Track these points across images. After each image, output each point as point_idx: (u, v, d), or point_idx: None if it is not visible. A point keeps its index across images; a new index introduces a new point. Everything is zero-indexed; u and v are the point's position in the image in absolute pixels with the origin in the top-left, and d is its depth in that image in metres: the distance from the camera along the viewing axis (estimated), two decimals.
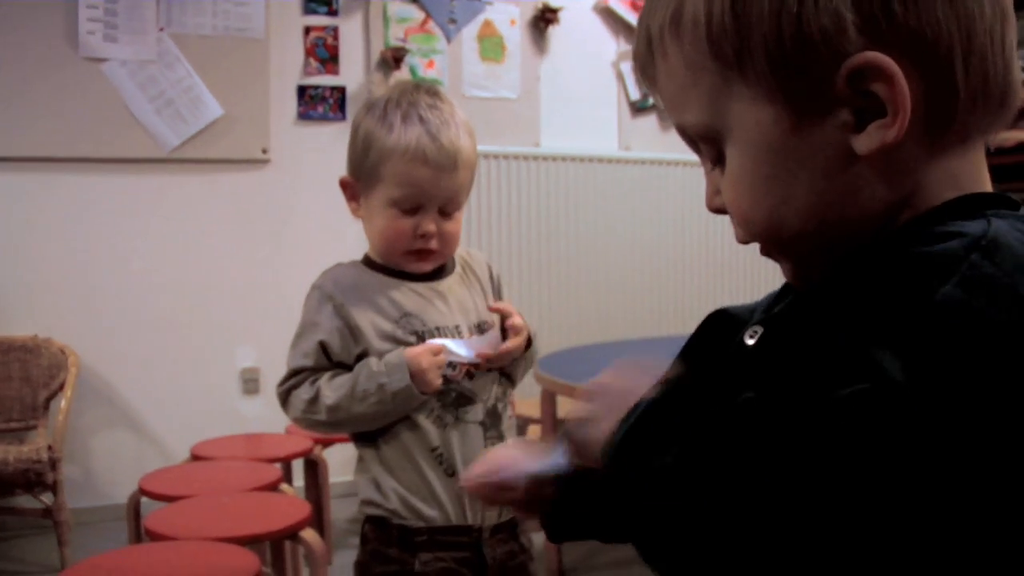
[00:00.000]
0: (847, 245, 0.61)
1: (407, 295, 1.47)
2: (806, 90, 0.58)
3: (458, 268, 1.55)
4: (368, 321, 1.43)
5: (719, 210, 0.67)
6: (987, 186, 0.62)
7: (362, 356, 1.44)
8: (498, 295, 1.60)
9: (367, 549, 1.46)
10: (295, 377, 1.45)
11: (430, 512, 1.42)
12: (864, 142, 0.58)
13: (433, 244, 1.46)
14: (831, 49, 0.57)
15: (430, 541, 1.41)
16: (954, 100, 0.58)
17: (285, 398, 1.46)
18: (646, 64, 0.66)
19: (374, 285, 1.47)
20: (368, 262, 1.52)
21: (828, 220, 0.61)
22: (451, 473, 1.42)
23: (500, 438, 1.47)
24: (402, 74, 4.12)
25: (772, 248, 0.66)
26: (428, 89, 1.48)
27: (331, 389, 1.41)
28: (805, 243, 0.63)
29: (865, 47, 0.56)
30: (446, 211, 1.46)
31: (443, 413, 1.43)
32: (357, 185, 1.48)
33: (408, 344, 1.42)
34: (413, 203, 1.43)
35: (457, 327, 1.48)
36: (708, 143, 0.65)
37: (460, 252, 1.57)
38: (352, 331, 1.43)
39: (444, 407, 1.44)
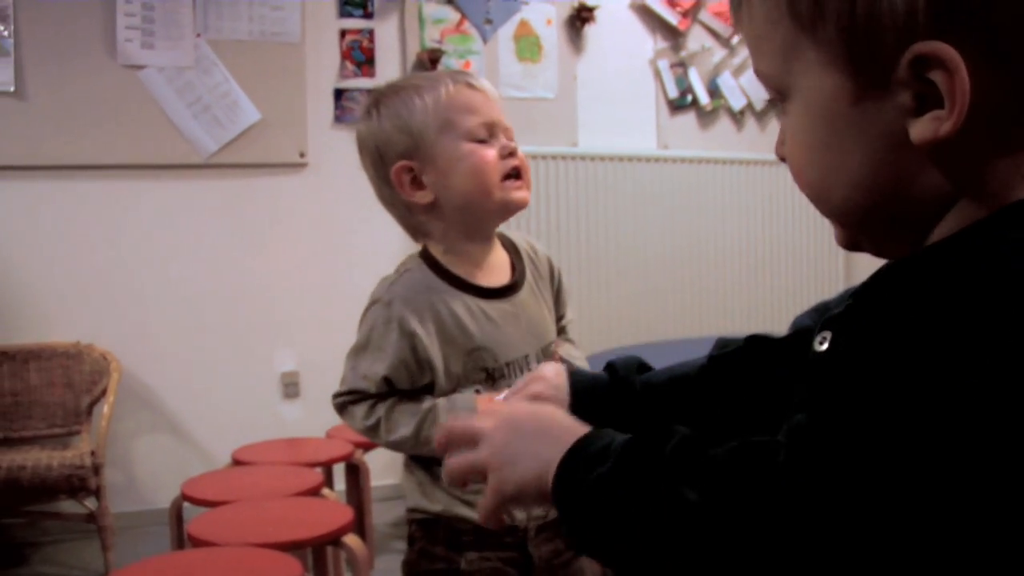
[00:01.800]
0: (901, 221, 0.61)
1: (479, 321, 1.42)
2: (871, 65, 0.58)
3: (528, 275, 1.51)
4: (440, 357, 1.39)
5: (784, 158, 0.68)
6: None
7: (429, 386, 1.40)
8: (558, 295, 1.57)
9: (415, 548, 1.45)
10: (352, 395, 1.42)
11: (476, 517, 1.39)
12: (918, 130, 0.57)
13: (520, 162, 1.44)
14: (899, 31, 0.55)
15: (476, 540, 1.40)
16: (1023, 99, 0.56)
17: (341, 409, 1.43)
18: (737, 7, 0.67)
19: (445, 305, 1.41)
20: (435, 265, 1.45)
21: (879, 196, 0.60)
22: None
23: None
24: None
25: (822, 208, 0.65)
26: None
27: (393, 424, 1.38)
28: (855, 211, 0.63)
29: (933, 35, 0.55)
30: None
31: None
32: (414, 161, 1.42)
33: (476, 380, 1.40)
34: (487, 127, 1.42)
35: (526, 357, 1.45)
36: (776, 93, 0.66)
37: (523, 244, 1.55)
38: (421, 364, 1.39)
39: None
